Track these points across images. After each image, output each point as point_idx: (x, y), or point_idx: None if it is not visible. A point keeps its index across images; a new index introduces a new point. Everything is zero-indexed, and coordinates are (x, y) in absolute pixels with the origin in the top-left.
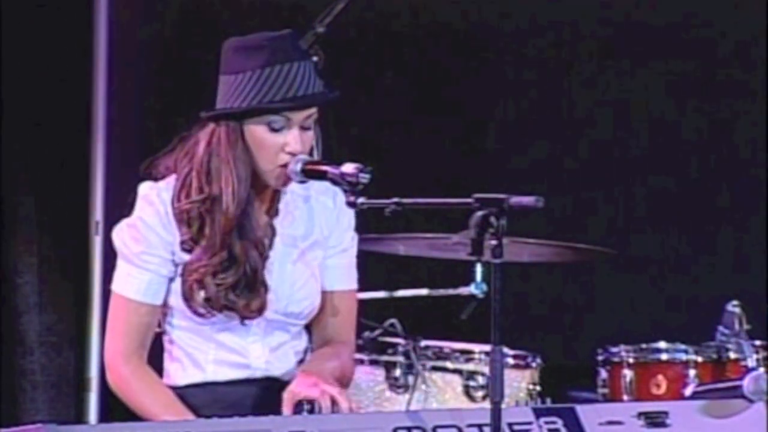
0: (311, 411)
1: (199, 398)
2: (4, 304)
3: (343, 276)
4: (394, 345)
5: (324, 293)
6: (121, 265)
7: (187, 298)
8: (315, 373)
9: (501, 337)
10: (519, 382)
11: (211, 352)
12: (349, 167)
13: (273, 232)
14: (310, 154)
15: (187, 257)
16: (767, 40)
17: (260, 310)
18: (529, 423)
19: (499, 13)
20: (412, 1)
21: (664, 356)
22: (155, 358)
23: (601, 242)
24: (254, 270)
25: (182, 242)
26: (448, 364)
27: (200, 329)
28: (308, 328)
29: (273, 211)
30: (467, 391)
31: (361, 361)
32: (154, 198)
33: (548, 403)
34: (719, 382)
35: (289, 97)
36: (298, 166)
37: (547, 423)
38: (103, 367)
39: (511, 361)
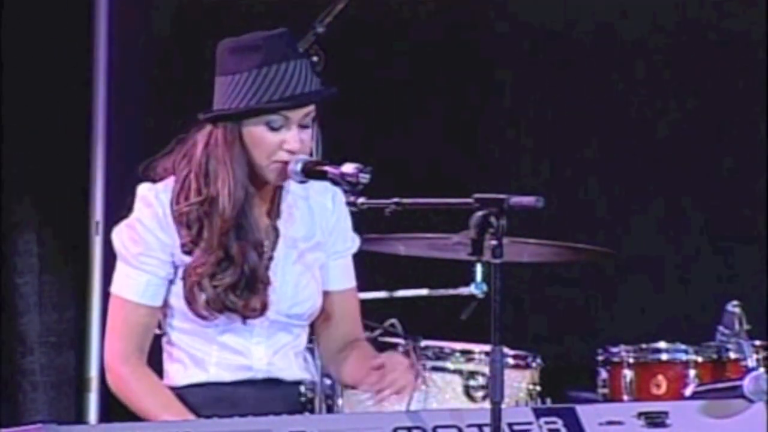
0: None
1: (201, 397)
2: (4, 304)
3: (349, 274)
4: (394, 345)
5: (333, 293)
6: (119, 266)
7: (189, 300)
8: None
9: (501, 337)
10: (519, 382)
11: (214, 353)
12: (349, 167)
13: (276, 234)
14: (310, 154)
15: (188, 259)
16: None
17: (262, 310)
18: (529, 423)
19: (499, 13)
20: (412, 0)
21: (664, 356)
22: (154, 360)
23: (601, 242)
24: (253, 270)
25: (182, 245)
26: (448, 364)
27: (203, 331)
28: (312, 326)
29: (274, 213)
30: (467, 391)
31: None
32: (152, 199)
33: (548, 403)
34: (719, 382)
35: (286, 96)
36: (298, 166)
37: (547, 423)
38: (103, 367)
39: (511, 361)
